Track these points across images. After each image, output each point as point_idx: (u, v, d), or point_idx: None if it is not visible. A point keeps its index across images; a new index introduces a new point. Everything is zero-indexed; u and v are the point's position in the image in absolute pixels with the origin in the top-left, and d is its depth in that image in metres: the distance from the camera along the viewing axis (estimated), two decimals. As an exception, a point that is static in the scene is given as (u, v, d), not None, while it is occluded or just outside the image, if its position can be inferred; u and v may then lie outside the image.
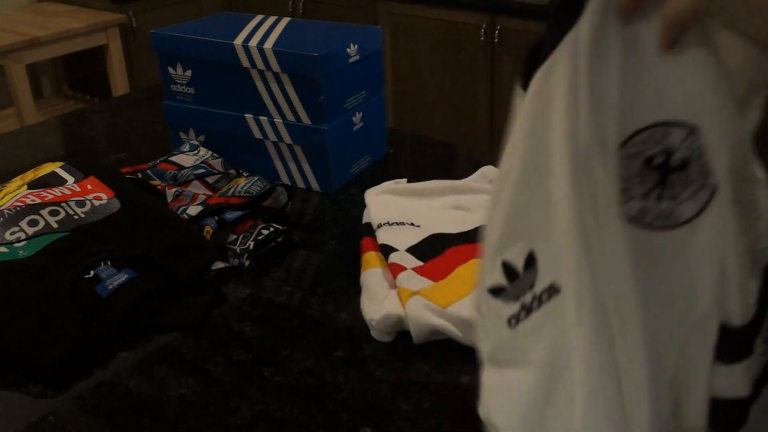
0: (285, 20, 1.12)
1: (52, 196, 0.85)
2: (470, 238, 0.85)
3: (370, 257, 0.83)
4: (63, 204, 0.84)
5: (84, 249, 0.79)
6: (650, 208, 0.46)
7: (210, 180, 1.01)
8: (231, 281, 0.85)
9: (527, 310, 0.49)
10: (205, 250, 0.85)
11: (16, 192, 0.85)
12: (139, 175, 0.99)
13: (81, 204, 0.85)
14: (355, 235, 0.91)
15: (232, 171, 1.05)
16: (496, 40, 2.49)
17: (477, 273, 0.54)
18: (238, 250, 0.87)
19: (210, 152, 1.06)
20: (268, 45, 1.00)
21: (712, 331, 0.46)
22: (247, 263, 0.87)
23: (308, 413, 0.66)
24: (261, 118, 1.04)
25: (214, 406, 0.67)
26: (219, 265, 0.85)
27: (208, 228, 0.89)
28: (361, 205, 0.94)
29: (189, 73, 1.07)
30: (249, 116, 1.04)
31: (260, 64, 1.00)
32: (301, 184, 1.07)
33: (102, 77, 3.03)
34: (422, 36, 2.68)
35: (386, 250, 0.82)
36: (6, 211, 0.82)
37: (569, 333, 0.47)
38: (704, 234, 0.45)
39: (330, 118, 1.02)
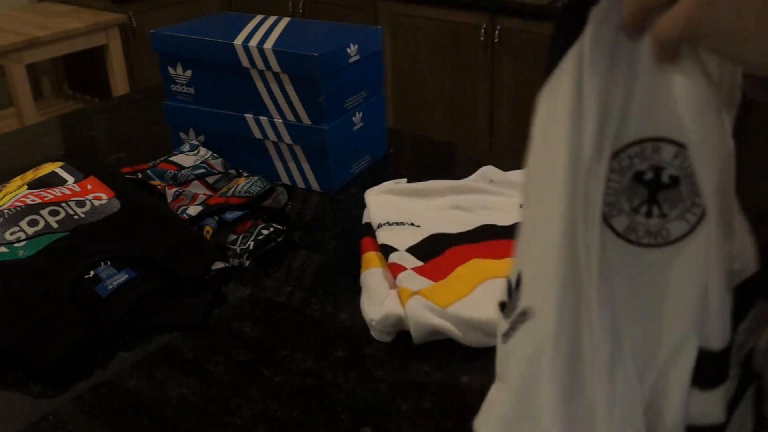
0: (285, 20, 1.12)
1: (52, 196, 0.85)
2: (470, 238, 0.85)
3: (370, 257, 0.83)
4: (63, 204, 0.84)
5: (84, 249, 0.79)
6: (639, 224, 0.45)
7: (210, 180, 1.01)
8: (231, 281, 0.85)
9: (513, 329, 0.50)
10: (205, 250, 0.85)
11: (16, 192, 0.85)
12: (139, 175, 0.99)
13: (81, 204, 0.85)
14: (355, 235, 0.91)
15: (232, 171, 1.05)
16: (496, 40, 2.49)
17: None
18: (238, 250, 0.87)
19: (210, 152, 1.06)
20: (268, 45, 1.00)
21: (691, 355, 0.46)
22: (247, 263, 0.87)
23: (308, 413, 0.66)
24: (261, 118, 1.04)
25: (214, 406, 0.67)
26: (219, 265, 0.85)
27: (208, 228, 0.89)
28: (361, 205, 0.94)
29: (189, 73, 1.07)
30: (249, 116, 1.04)
31: (260, 64, 1.00)
32: (301, 184, 1.07)
33: (102, 77, 3.03)
34: (422, 36, 2.68)
35: (386, 250, 0.82)
36: (6, 211, 0.82)
37: (540, 360, 0.47)
38: (691, 255, 0.45)
39: (330, 118, 1.02)
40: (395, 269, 0.79)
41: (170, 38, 1.06)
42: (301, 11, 3.00)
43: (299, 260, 0.90)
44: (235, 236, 0.88)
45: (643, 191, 0.45)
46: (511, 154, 1.09)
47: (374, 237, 0.86)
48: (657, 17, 0.41)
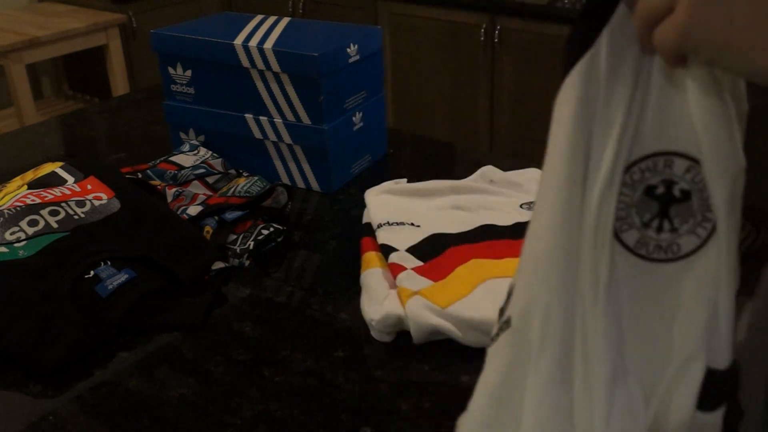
0: (285, 20, 1.12)
1: (52, 196, 0.85)
2: (470, 238, 0.85)
3: (370, 257, 0.83)
4: (63, 204, 0.84)
5: (84, 249, 0.79)
6: (649, 239, 0.45)
7: (210, 180, 1.01)
8: (231, 281, 0.85)
9: (497, 335, 0.50)
10: (205, 250, 0.85)
11: (16, 192, 0.85)
12: (139, 175, 0.99)
13: (81, 204, 0.85)
14: (355, 235, 0.91)
15: (232, 171, 1.05)
16: (496, 40, 2.49)
17: None
18: (238, 250, 0.87)
19: (210, 152, 1.06)
20: (268, 45, 1.00)
21: (699, 374, 0.45)
22: (247, 263, 0.87)
23: (308, 413, 0.66)
24: (261, 118, 1.04)
25: (214, 406, 0.67)
26: (219, 265, 0.85)
27: (208, 228, 0.89)
28: (361, 205, 0.94)
29: (189, 73, 1.07)
30: (249, 116, 1.04)
31: (260, 64, 1.00)
32: (301, 184, 1.07)
33: (102, 77, 3.03)
34: (422, 36, 2.68)
35: (386, 250, 0.82)
36: (6, 211, 0.82)
37: (520, 373, 0.47)
38: (702, 269, 0.44)
39: (330, 118, 1.02)
40: (395, 269, 0.79)
41: (170, 38, 1.06)
42: (301, 11, 3.00)
43: (299, 260, 0.90)
44: (235, 236, 0.88)
45: (654, 205, 0.44)
46: (511, 154, 1.09)
47: (374, 237, 0.86)
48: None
